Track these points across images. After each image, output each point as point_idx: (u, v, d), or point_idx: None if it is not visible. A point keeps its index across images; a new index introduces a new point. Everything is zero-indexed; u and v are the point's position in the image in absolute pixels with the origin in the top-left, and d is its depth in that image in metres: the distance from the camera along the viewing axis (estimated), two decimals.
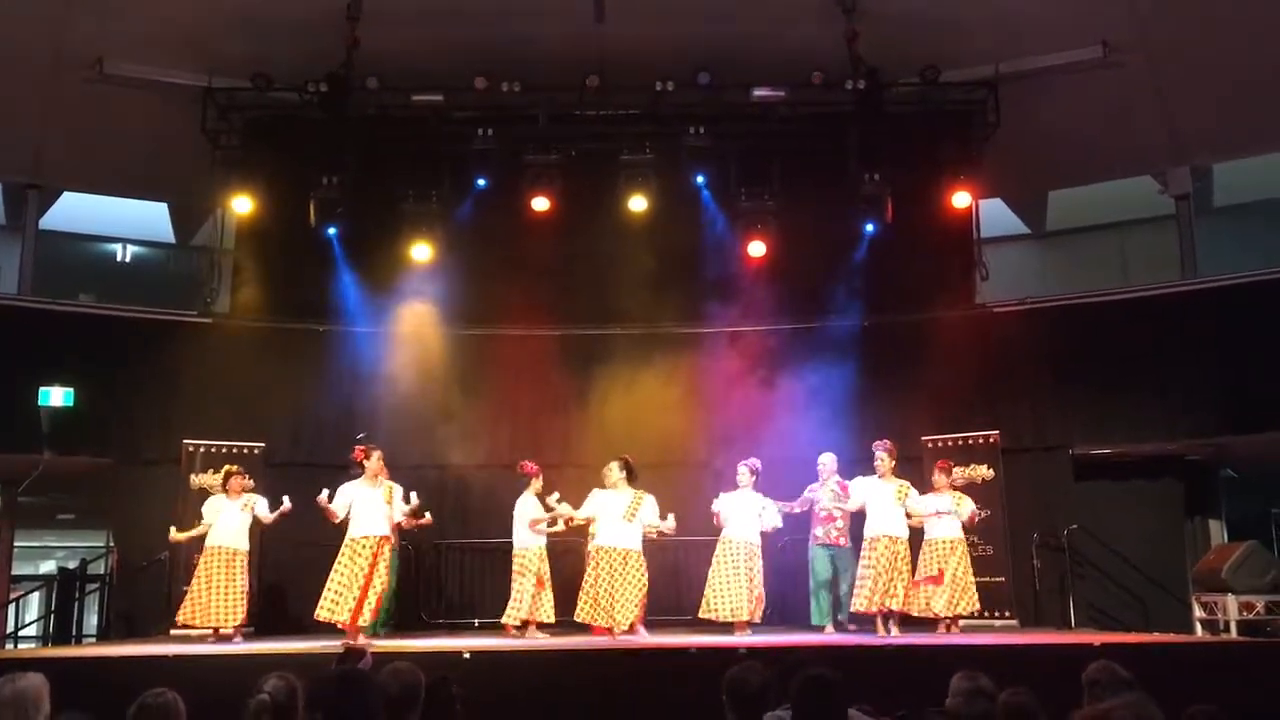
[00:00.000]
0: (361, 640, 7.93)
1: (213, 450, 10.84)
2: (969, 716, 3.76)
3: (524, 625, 9.21)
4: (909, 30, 10.75)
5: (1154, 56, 11.17)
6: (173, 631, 10.01)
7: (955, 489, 9.76)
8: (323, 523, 9.85)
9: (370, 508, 8.74)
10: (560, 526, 9.41)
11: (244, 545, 9.32)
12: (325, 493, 8.69)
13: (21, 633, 12.25)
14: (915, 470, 10.27)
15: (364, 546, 8.66)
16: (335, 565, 8.67)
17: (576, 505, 9.61)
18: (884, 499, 9.22)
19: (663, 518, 8.86)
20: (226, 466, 9.67)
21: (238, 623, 9.17)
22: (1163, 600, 10.74)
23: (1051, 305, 11.70)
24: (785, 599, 10.25)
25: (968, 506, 9.61)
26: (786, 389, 10.73)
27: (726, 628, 9.20)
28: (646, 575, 8.78)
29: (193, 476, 10.75)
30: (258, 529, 9.63)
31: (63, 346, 10.90)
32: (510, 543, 9.81)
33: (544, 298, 11.64)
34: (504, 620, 9.24)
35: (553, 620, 9.40)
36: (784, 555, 10.02)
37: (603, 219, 11.45)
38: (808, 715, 3.59)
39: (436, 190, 11.40)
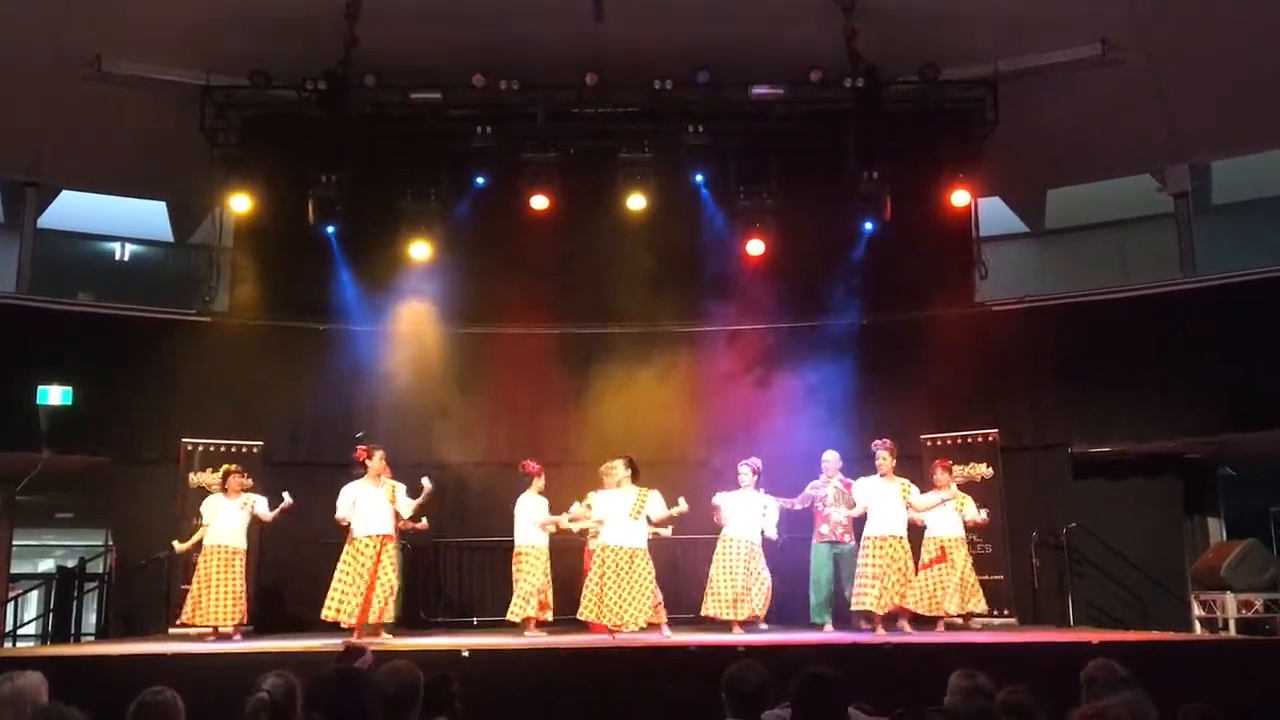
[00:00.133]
0: (362, 639, 7.93)
1: (211, 449, 10.84)
2: (967, 715, 3.76)
3: (525, 621, 9.25)
4: (908, 28, 10.74)
5: (1153, 54, 11.17)
6: (171, 630, 10.03)
7: (960, 488, 9.79)
8: (321, 521, 9.88)
9: (373, 507, 8.78)
10: (574, 528, 9.45)
11: (242, 545, 9.32)
12: (341, 508, 8.75)
13: (20, 631, 12.27)
14: (915, 469, 10.26)
15: (366, 545, 8.69)
16: (339, 565, 8.69)
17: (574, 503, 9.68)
18: (887, 498, 9.20)
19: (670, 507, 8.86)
20: (225, 466, 9.66)
21: (237, 621, 9.17)
22: (1161, 598, 10.75)
23: (1050, 304, 11.70)
24: (785, 598, 10.24)
25: (970, 507, 9.63)
26: (785, 388, 10.74)
27: (726, 625, 9.20)
28: (653, 573, 8.75)
29: (191, 475, 10.75)
30: (256, 528, 9.63)
31: (61, 345, 10.89)
32: (508, 541, 9.86)
33: (543, 296, 11.64)
34: (511, 617, 9.27)
35: (550, 619, 9.43)
36: (784, 554, 9.99)
37: (601, 217, 11.44)
38: (807, 714, 3.59)
39: (435, 188, 11.38)
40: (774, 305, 11.53)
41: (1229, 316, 10.81)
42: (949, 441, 11.02)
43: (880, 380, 11.19)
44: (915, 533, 9.47)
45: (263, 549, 10.29)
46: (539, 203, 11.25)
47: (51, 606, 12.03)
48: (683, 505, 8.74)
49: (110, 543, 11.31)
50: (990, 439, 11.04)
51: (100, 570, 11.60)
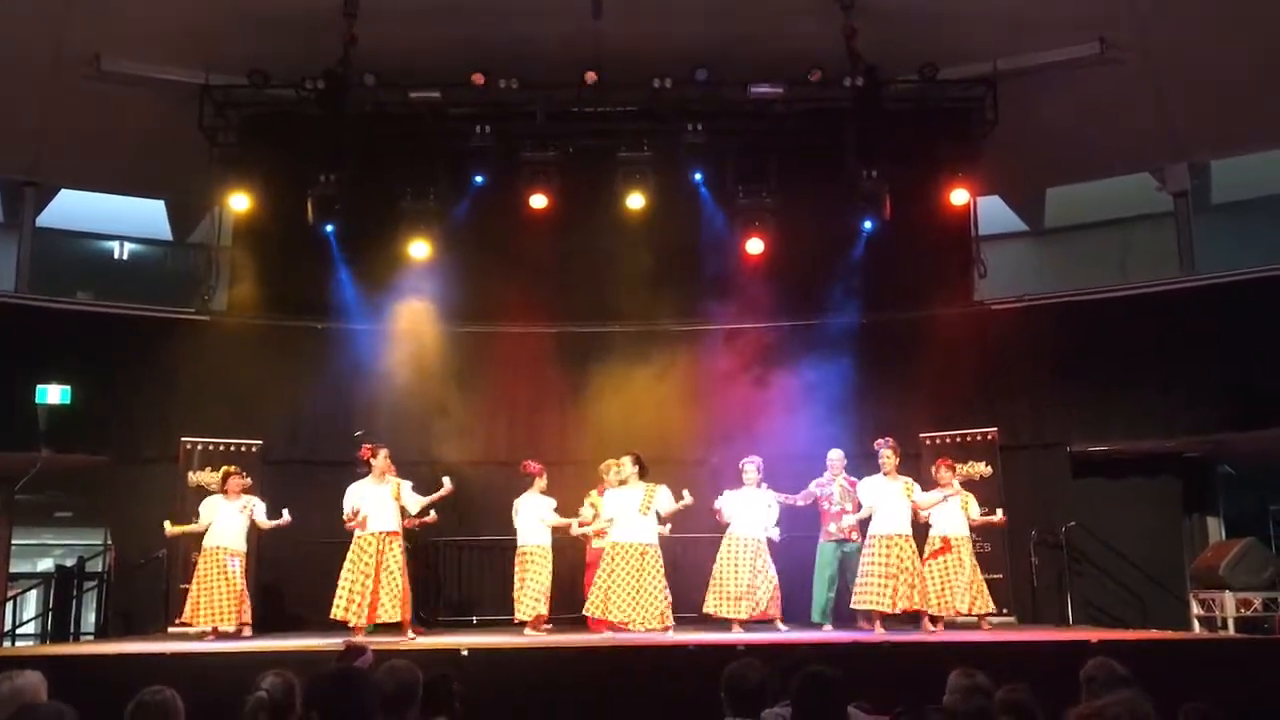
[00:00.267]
0: (362, 638, 7.93)
1: (210, 448, 10.84)
2: (966, 713, 3.77)
3: (535, 620, 9.28)
4: (907, 27, 10.73)
5: (1152, 53, 11.17)
6: (170, 629, 10.04)
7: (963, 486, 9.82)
8: (321, 521, 9.89)
9: (377, 505, 8.80)
10: (588, 531, 9.50)
11: (242, 546, 9.32)
12: (348, 506, 8.77)
13: (19, 630, 12.25)
14: (914, 468, 10.26)
15: (369, 543, 8.72)
16: (345, 565, 8.70)
17: (574, 503, 9.70)
18: (892, 497, 9.17)
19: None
20: (225, 467, 9.65)
21: (235, 622, 9.15)
22: (1160, 597, 10.75)
23: (1050, 302, 11.70)
24: (789, 597, 10.20)
25: (974, 504, 9.65)
26: (784, 386, 10.73)
27: (727, 624, 9.21)
28: (663, 571, 8.73)
29: (191, 474, 10.75)
30: (255, 531, 9.62)
31: (60, 344, 10.89)
32: (507, 540, 9.87)
33: (542, 295, 11.65)
34: (523, 616, 9.31)
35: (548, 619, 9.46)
36: (788, 553, 9.95)
37: (600, 216, 11.44)
38: (807, 713, 3.60)
39: (434, 187, 11.38)
40: (773, 304, 11.53)
41: (1227, 315, 10.82)
42: (948, 440, 11.02)
43: (879, 379, 11.19)
44: (919, 531, 9.45)
45: (262, 549, 10.29)
46: (538, 201, 11.25)
47: (50, 606, 12.02)
48: (688, 498, 8.77)
49: (109, 542, 11.30)
50: (989, 438, 11.05)
51: (99, 569, 11.59)
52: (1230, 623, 9.83)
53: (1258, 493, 12.03)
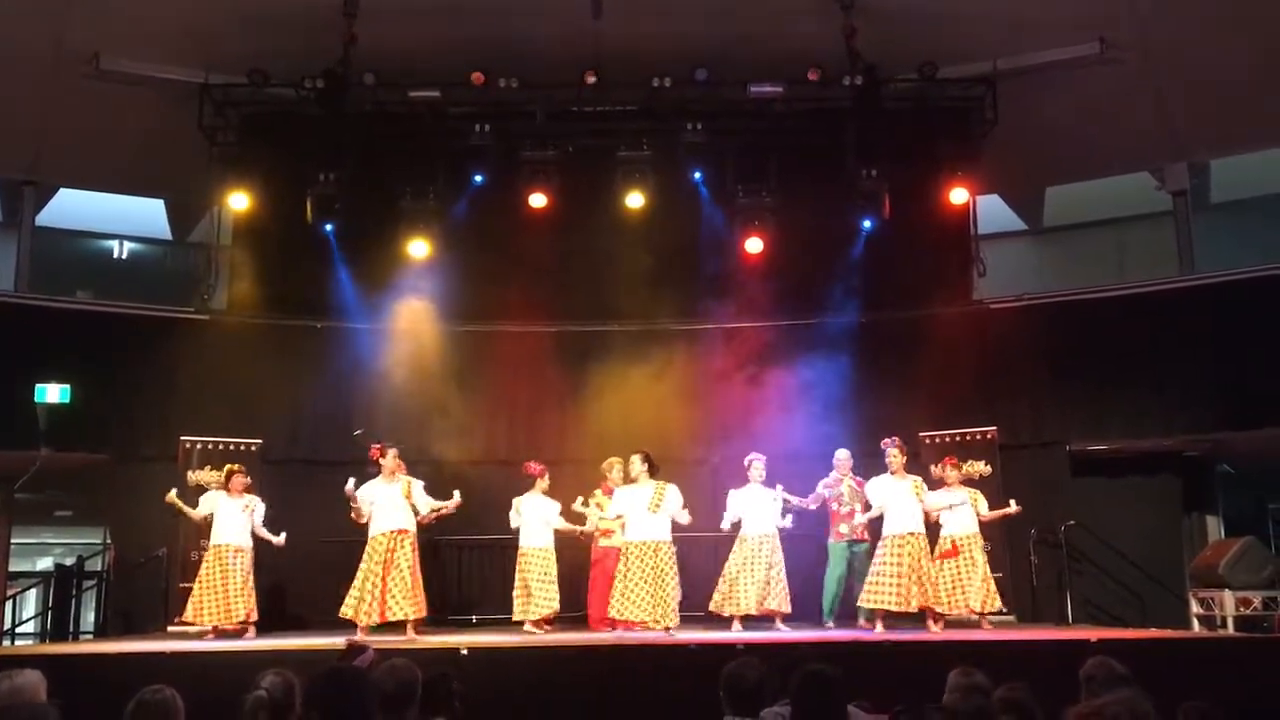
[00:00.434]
0: (363, 638, 7.93)
1: (210, 447, 10.84)
2: (966, 712, 3.77)
3: (541, 620, 9.29)
4: (907, 26, 10.73)
5: (1151, 53, 11.17)
6: (170, 628, 10.04)
7: (966, 484, 9.83)
8: (320, 520, 9.90)
9: (387, 504, 8.83)
10: (600, 528, 9.52)
11: (248, 543, 9.32)
12: (351, 482, 8.80)
13: (19, 629, 12.24)
14: (913, 467, 10.22)
15: (379, 543, 8.75)
16: (360, 564, 8.75)
17: (573, 502, 9.69)
18: (901, 496, 9.14)
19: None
20: (229, 465, 9.65)
21: (243, 617, 9.16)
22: (1160, 596, 10.75)
23: (1049, 302, 11.71)
24: (794, 596, 10.21)
25: (984, 502, 9.68)
26: (784, 385, 10.73)
27: (725, 623, 9.21)
28: (675, 568, 8.72)
29: (190, 473, 10.74)
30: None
31: (60, 343, 10.89)
32: (506, 539, 9.87)
33: (541, 294, 11.65)
34: (534, 615, 9.32)
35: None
36: (792, 552, 9.92)
37: (600, 215, 11.44)
38: (807, 712, 3.60)
39: (433, 186, 11.38)
40: (772, 303, 11.54)
41: (1225, 315, 10.82)
42: (947, 439, 11.02)
43: (879, 378, 11.19)
44: (930, 530, 9.43)
45: (262, 549, 10.28)
46: (537, 201, 11.26)
47: (50, 604, 12.01)
48: (686, 517, 8.79)
49: (109, 541, 11.30)
50: (988, 436, 11.05)
51: (99, 568, 11.59)
52: (1229, 621, 9.83)
53: (1257, 492, 12.04)
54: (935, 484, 9.55)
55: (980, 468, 10.88)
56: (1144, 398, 11.00)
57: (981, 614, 9.35)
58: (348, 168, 10.87)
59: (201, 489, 10.17)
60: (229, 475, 9.43)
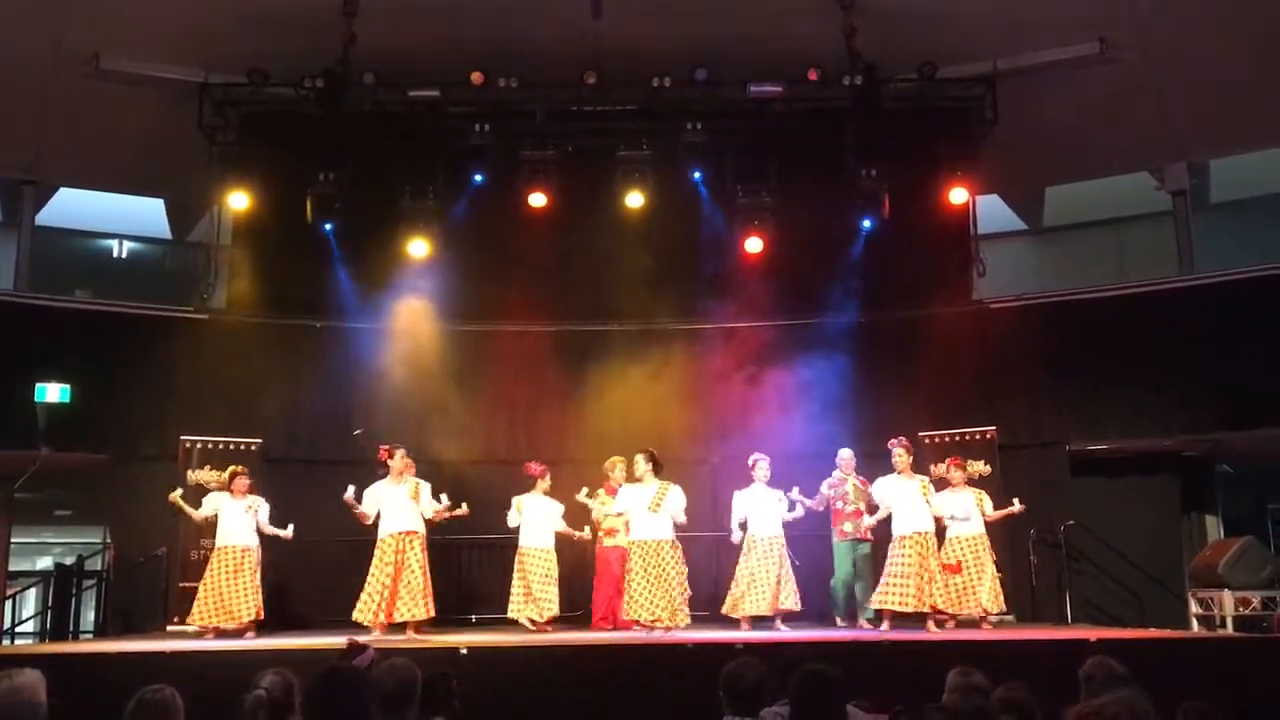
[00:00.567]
0: (364, 637, 7.94)
1: (210, 446, 10.84)
2: (965, 712, 3.77)
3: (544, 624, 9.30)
4: (907, 26, 10.73)
5: (1151, 53, 11.18)
6: (170, 628, 10.05)
7: (970, 484, 9.85)
8: (320, 519, 9.90)
9: (394, 505, 8.84)
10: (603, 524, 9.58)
11: (254, 542, 9.34)
12: (350, 490, 8.80)
13: (18, 629, 12.23)
14: (913, 466, 10.23)
15: (388, 544, 8.77)
16: (370, 567, 8.77)
17: (573, 501, 9.69)
18: (908, 495, 9.13)
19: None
20: (232, 467, 9.67)
21: (251, 617, 9.18)
22: (1159, 596, 10.76)
23: (1048, 301, 11.72)
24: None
25: (989, 501, 9.70)
26: (783, 385, 10.73)
27: (730, 623, 9.22)
28: (683, 567, 8.71)
29: (190, 472, 10.74)
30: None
31: (59, 343, 10.89)
32: (505, 538, 9.86)
33: (541, 294, 11.65)
34: (542, 617, 9.33)
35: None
36: (796, 551, 9.94)
37: (600, 215, 11.44)
38: (807, 711, 3.60)
39: (433, 186, 11.38)
40: (772, 303, 11.53)
41: (1223, 314, 10.83)
42: (947, 439, 11.02)
43: (878, 378, 11.20)
44: (937, 531, 9.44)
45: (261, 548, 10.29)
46: (537, 200, 11.26)
47: (50, 604, 12.00)
48: (681, 518, 8.78)
49: (108, 540, 11.31)
50: (988, 436, 11.05)
51: (98, 567, 11.59)
52: (1229, 621, 9.83)
53: (1256, 492, 12.04)
54: (939, 484, 9.56)
55: (980, 468, 10.87)
56: (1143, 398, 11.00)
57: (989, 613, 9.37)
58: (347, 167, 10.87)
59: (201, 488, 10.19)
60: (232, 476, 9.45)
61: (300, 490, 10.56)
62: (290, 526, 9.37)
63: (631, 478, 9.05)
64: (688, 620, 8.66)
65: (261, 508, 9.39)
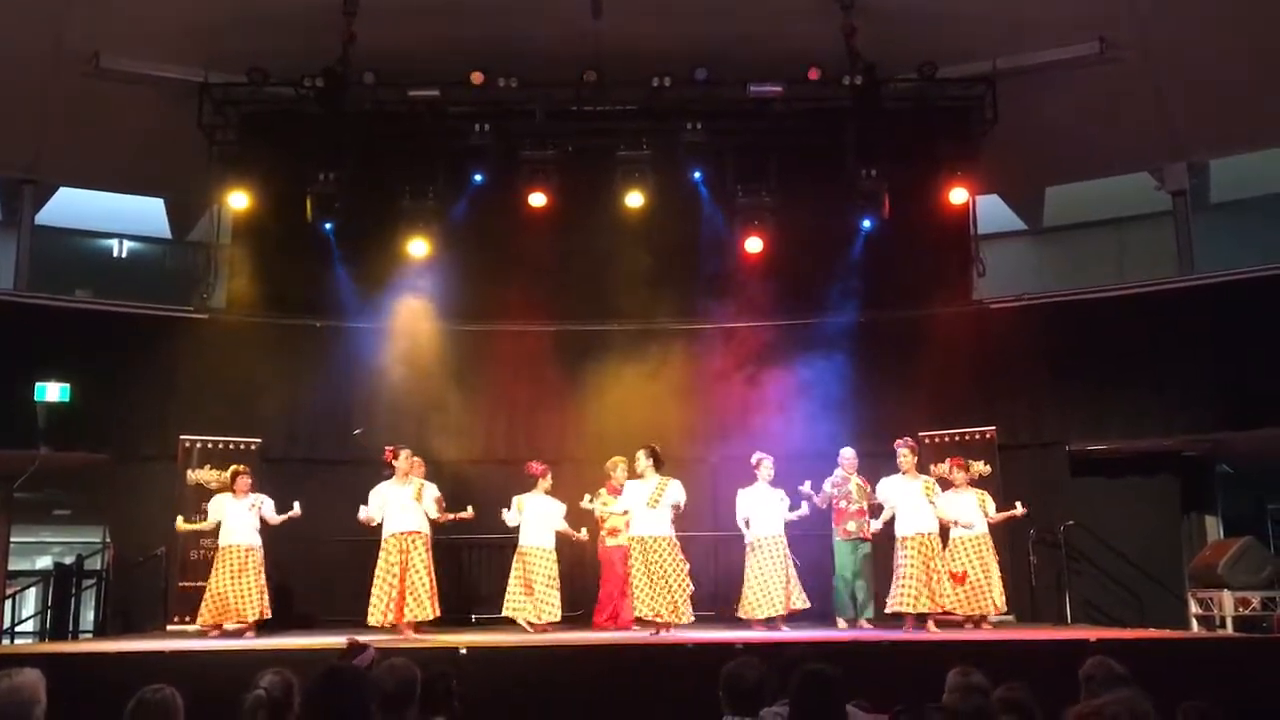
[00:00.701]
0: (366, 636, 7.94)
1: (209, 446, 10.84)
2: (965, 712, 3.77)
3: (536, 624, 9.29)
4: (906, 26, 10.73)
5: (1151, 52, 11.17)
6: (169, 627, 10.05)
7: (972, 485, 9.85)
8: (320, 518, 9.90)
9: (398, 506, 8.84)
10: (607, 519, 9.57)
11: (257, 541, 9.38)
12: (363, 510, 8.82)
13: (18, 628, 12.23)
14: (916, 467, 10.24)
15: (392, 545, 8.77)
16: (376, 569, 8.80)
17: (572, 500, 9.69)
18: (912, 496, 9.14)
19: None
20: (234, 466, 9.70)
21: (257, 616, 9.20)
22: (1159, 596, 10.75)
23: (1048, 301, 11.72)
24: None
25: (991, 502, 9.71)
26: (783, 385, 10.73)
27: (730, 622, 9.22)
28: (682, 563, 8.70)
29: (190, 472, 10.75)
30: (264, 528, 9.62)
31: (59, 342, 10.88)
32: (505, 538, 9.86)
33: (540, 293, 11.65)
34: (547, 618, 9.32)
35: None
36: (796, 551, 9.93)
37: (599, 215, 11.44)
38: (807, 711, 3.60)
39: (433, 186, 11.38)
40: (772, 303, 11.53)
41: (1224, 314, 10.83)
42: (947, 439, 11.02)
43: (878, 378, 11.20)
44: (941, 532, 9.44)
45: (268, 546, 10.29)
46: (537, 200, 11.26)
47: (49, 603, 12.00)
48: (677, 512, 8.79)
49: (108, 540, 11.30)
50: (988, 436, 11.05)
51: (98, 567, 11.58)
52: (1228, 622, 9.82)
53: (1256, 492, 12.04)
54: (940, 485, 9.55)
55: (980, 467, 10.87)
56: (1143, 398, 11.00)
57: (1000, 610, 9.41)
58: (347, 167, 10.87)
59: (201, 488, 10.21)
60: (234, 476, 9.48)
61: (300, 490, 10.51)
62: (296, 504, 9.38)
63: (633, 474, 9.04)
64: (691, 617, 8.65)
65: (265, 503, 9.44)
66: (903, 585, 8.96)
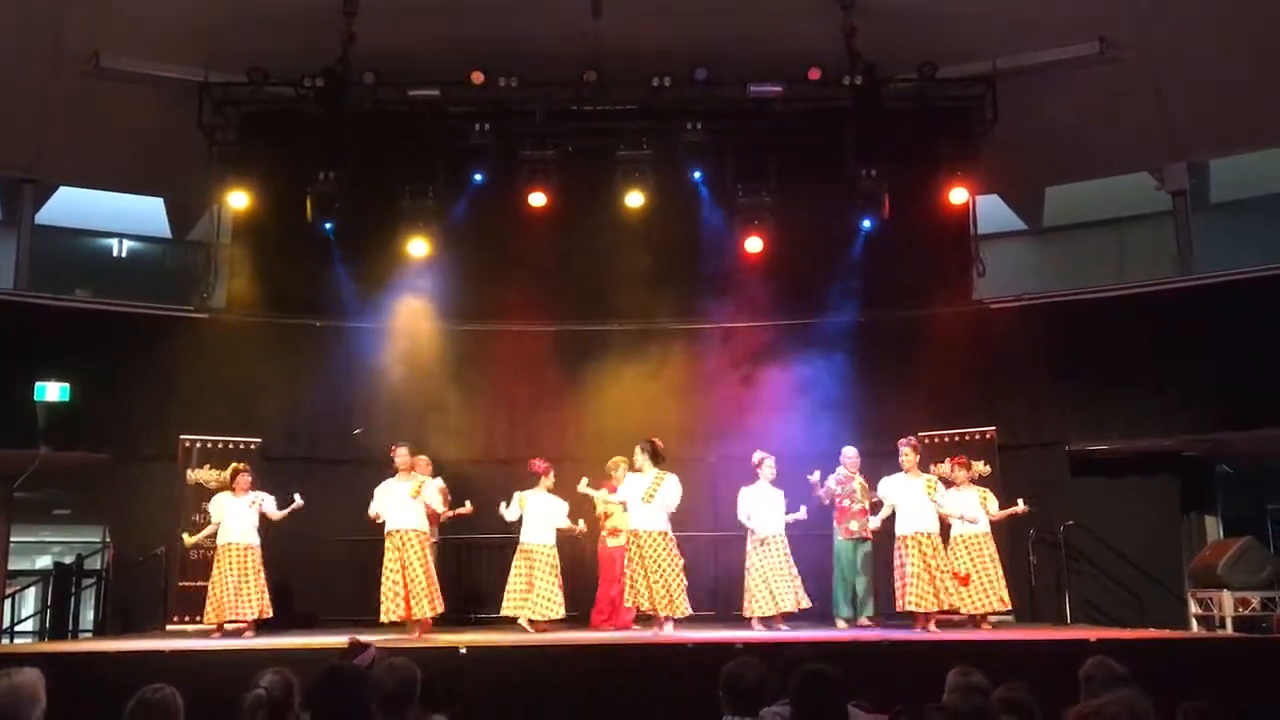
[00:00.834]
0: (367, 636, 7.95)
1: (209, 445, 10.84)
2: (965, 712, 3.77)
3: (536, 622, 9.30)
4: (907, 26, 10.73)
5: (1151, 52, 11.18)
6: (169, 627, 10.05)
7: (974, 483, 9.85)
8: (320, 518, 9.90)
9: (395, 503, 8.88)
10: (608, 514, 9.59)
11: (255, 540, 9.39)
12: (372, 508, 8.87)
13: (17, 628, 12.23)
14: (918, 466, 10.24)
15: (389, 542, 8.81)
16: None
17: (572, 500, 9.69)
18: (914, 495, 9.11)
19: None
20: (234, 465, 9.71)
21: (258, 614, 9.22)
22: (1159, 596, 10.75)
23: (1048, 301, 11.72)
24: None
25: (993, 500, 9.71)
26: (783, 385, 10.71)
27: (730, 622, 9.22)
28: (676, 557, 8.70)
29: (190, 472, 10.76)
30: (263, 526, 9.63)
31: (59, 342, 10.89)
32: (505, 538, 9.85)
33: (540, 293, 11.65)
34: (551, 616, 9.32)
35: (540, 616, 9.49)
36: (796, 550, 9.92)
37: (599, 215, 11.44)
38: (807, 711, 3.59)
39: (433, 185, 11.38)
40: (772, 303, 11.52)
41: (1224, 314, 10.83)
42: (947, 439, 11.01)
43: (878, 377, 11.19)
44: (943, 530, 9.43)
45: (264, 547, 10.29)
46: (537, 200, 11.26)
47: (49, 603, 12.00)
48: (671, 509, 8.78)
49: (108, 539, 11.31)
50: (988, 436, 11.05)
51: (98, 567, 11.59)
52: (1228, 622, 9.82)
53: (1256, 492, 12.04)
54: (943, 484, 9.54)
55: (980, 467, 10.86)
56: (1143, 398, 11.00)
57: (1007, 607, 9.40)
58: (347, 167, 10.87)
59: (201, 488, 10.21)
60: (234, 474, 9.50)
61: (299, 489, 10.53)
62: (297, 496, 9.42)
63: (633, 469, 9.04)
64: (687, 610, 8.65)
65: (266, 500, 9.47)
66: (912, 584, 8.94)
